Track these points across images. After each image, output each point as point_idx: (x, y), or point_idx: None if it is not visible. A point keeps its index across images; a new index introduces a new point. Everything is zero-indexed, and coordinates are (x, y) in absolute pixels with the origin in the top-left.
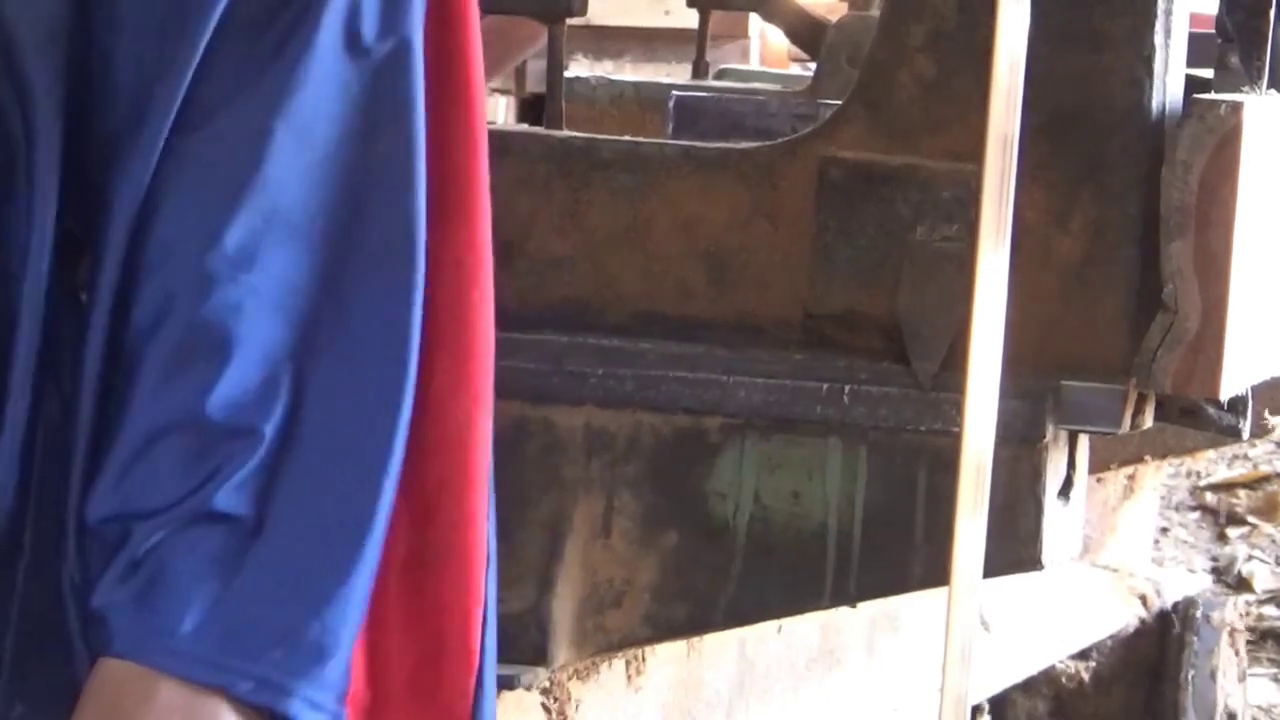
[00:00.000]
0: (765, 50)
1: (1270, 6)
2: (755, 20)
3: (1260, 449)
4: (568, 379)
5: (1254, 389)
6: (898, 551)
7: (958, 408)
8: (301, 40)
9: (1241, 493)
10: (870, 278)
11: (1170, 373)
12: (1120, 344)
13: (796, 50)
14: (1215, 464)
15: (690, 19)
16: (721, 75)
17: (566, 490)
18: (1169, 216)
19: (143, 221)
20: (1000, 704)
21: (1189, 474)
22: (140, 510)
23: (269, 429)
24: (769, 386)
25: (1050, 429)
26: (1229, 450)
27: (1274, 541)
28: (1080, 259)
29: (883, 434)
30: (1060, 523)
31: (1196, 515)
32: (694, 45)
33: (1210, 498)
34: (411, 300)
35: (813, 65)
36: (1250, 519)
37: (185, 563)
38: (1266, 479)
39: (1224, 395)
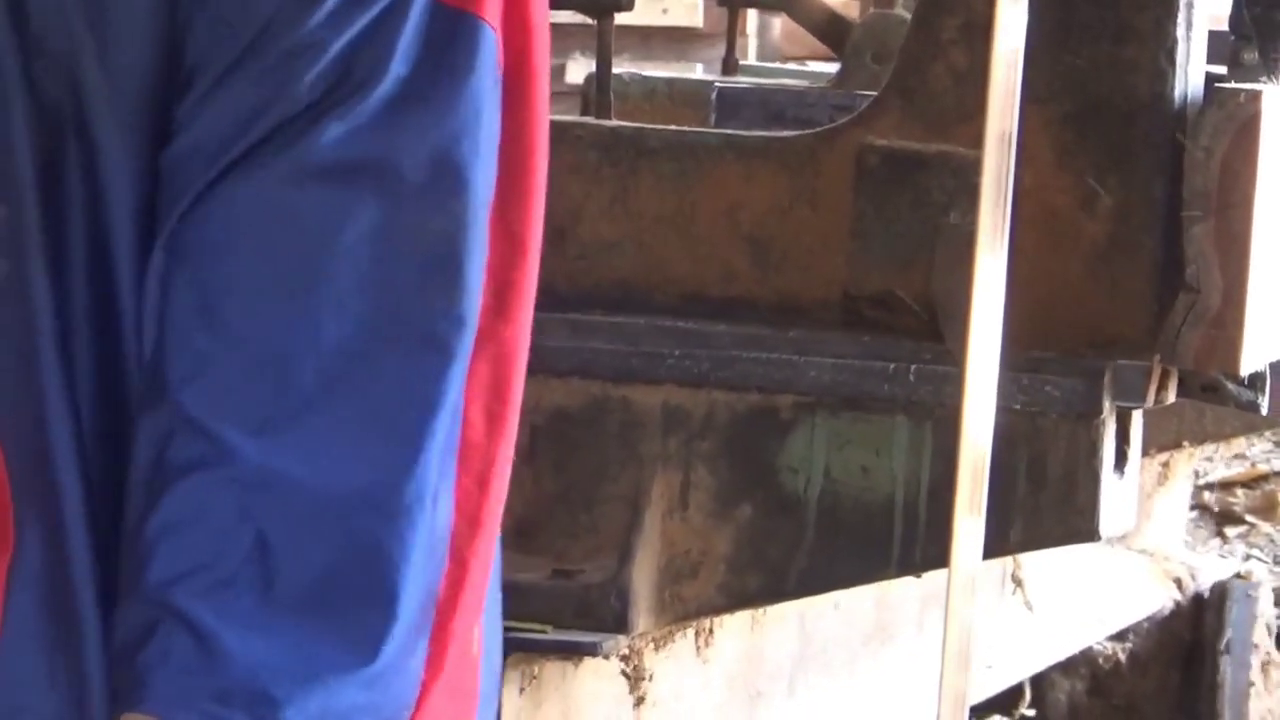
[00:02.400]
0: (763, 47)
1: None
2: (754, 18)
3: (1258, 448)
4: (646, 359)
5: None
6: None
7: (1018, 385)
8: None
9: (1240, 492)
10: (906, 260)
11: (1193, 349)
12: (1145, 322)
13: (790, 48)
14: (1213, 463)
15: (686, 18)
16: (742, 71)
17: (645, 466)
18: (1191, 200)
19: None
20: (1040, 683)
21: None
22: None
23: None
24: (838, 366)
25: (1107, 405)
26: (1228, 450)
27: (1272, 541)
28: (1106, 241)
29: (947, 411)
30: (1116, 495)
31: (1195, 514)
32: (691, 43)
33: (1208, 497)
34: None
35: (807, 63)
36: (1248, 518)
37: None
38: (1264, 478)
39: (1244, 371)
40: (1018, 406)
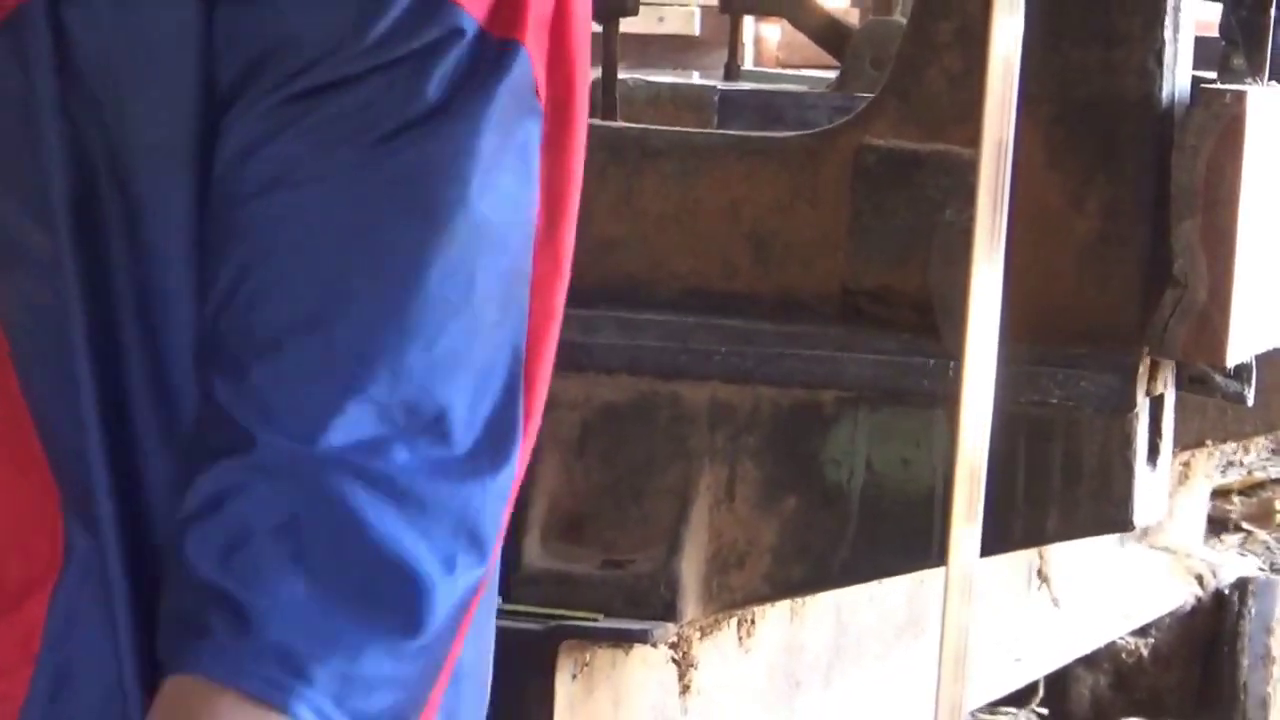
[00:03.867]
0: (759, 54)
1: (1271, 5)
2: (749, 26)
3: (1254, 455)
4: (694, 356)
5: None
6: (1000, 513)
7: (1054, 380)
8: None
9: (1236, 499)
10: (902, 256)
11: (1180, 342)
12: (1134, 315)
13: (785, 55)
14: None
15: (683, 26)
16: (743, 77)
17: (693, 459)
18: (1178, 197)
19: None
20: (1064, 677)
21: None
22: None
23: None
24: (879, 362)
25: (1140, 399)
26: (1223, 457)
27: (1268, 548)
28: (1096, 237)
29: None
30: (1149, 486)
31: None
32: (688, 51)
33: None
34: None
35: (800, 70)
36: (1245, 525)
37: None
38: (1261, 485)
39: (1230, 363)
40: (1054, 401)
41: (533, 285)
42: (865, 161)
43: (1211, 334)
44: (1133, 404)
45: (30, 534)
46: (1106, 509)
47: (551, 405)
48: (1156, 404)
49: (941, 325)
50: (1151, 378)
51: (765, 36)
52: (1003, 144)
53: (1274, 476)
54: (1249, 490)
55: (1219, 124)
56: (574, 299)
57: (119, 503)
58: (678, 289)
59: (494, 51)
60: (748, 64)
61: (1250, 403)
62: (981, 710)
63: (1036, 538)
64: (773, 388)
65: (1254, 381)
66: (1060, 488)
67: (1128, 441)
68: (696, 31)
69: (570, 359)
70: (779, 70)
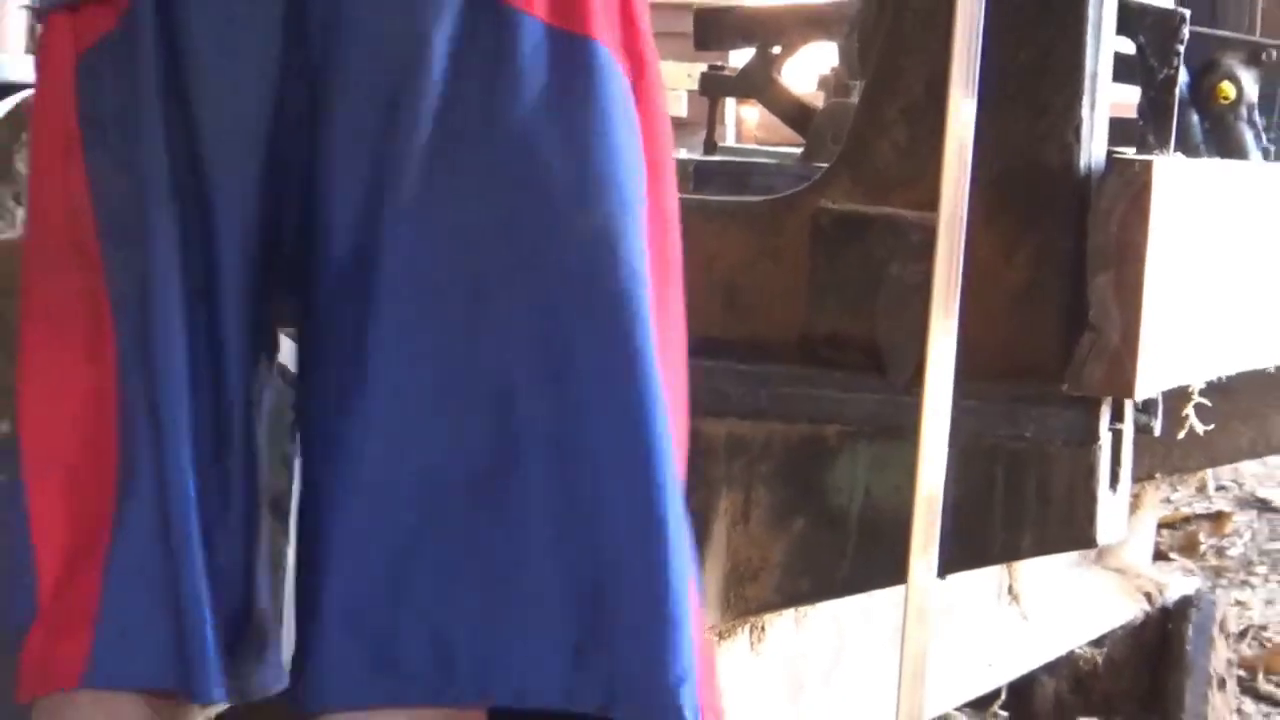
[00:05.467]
0: (740, 132)
1: (1175, 88)
2: (731, 107)
3: (1182, 493)
4: (712, 395)
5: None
6: (981, 533)
7: (1029, 416)
8: None
9: (1165, 532)
10: (854, 306)
11: (1095, 379)
12: (1056, 355)
13: (762, 134)
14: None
15: (673, 108)
16: (720, 151)
17: (713, 486)
18: (1094, 254)
19: None
20: (1030, 682)
21: None
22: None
23: None
24: (878, 401)
25: (1103, 434)
26: (1155, 495)
27: (1194, 575)
28: (1024, 288)
29: (968, 439)
30: (1111, 510)
31: None
32: (678, 130)
33: None
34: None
35: (775, 146)
36: (1172, 555)
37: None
38: (1187, 520)
39: (1138, 397)
40: (1029, 435)
41: None
42: (821, 223)
43: (1122, 373)
44: (1096, 438)
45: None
46: (1074, 529)
47: None
48: (1116, 438)
49: (888, 366)
50: (1113, 416)
51: (745, 118)
52: (958, 218)
53: (1198, 513)
54: (1177, 525)
55: (1129, 190)
56: None
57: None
58: None
59: (568, 44)
60: (730, 140)
61: (1157, 433)
62: (958, 709)
63: (1013, 554)
64: (782, 423)
65: (1160, 415)
66: (1034, 510)
67: (1092, 471)
68: (684, 113)
69: None
70: (753, 145)
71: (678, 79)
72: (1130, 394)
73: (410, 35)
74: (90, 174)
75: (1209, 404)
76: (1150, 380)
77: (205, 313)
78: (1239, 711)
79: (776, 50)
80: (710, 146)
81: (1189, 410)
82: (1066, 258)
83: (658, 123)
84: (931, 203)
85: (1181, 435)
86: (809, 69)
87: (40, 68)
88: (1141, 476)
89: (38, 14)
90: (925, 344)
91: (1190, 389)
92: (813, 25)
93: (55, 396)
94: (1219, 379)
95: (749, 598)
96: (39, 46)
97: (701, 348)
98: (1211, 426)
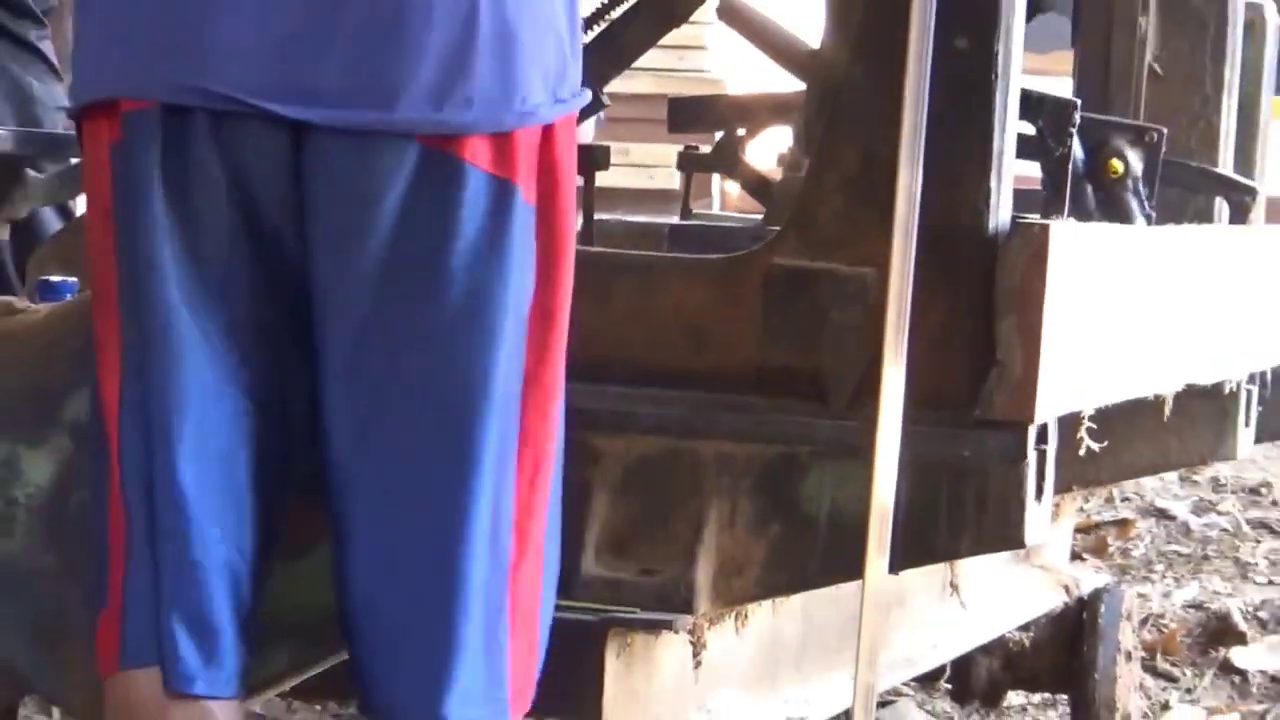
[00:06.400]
0: (725, 202)
1: (1069, 164)
2: (716, 180)
3: (1093, 503)
4: (706, 421)
5: None
6: (928, 535)
7: (968, 440)
8: None
9: (1079, 536)
10: (800, 345)
11: (1001, 405)
12: (969, 386)
13: (741, 204)
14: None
15: (667, 183)
16: (693, 217)
17: (705, 496)
18: (1000, 302)
19: None
20: (968, 661)
21: None
22: None
23: None
24: (842, 426)
25: (1030, 453)
26: (1072, 505)
27: (1102, 571)
28: (940, 329)
29: (917, 457)
30: (1036, 516)
31: None
32: (671, 201)
33: None
34: None
35: (747, 214)
36: (1085, 555)
37: None
38: (1097, 526)
39: (1037, 421)
40: (968, 454)
41: None
42: (773, 276)
43: (1024, 401)
44: (1024, 457)
45: None
46: (1005, 532)
47: (601, 456)
48: (1041, 457)
49: (829, 394)
50: (1038, 439)
51: (729, 190)
52: (907, 273)
53: (1107, 520)
54: (1089, 530)
55: (1029, 248)
56: (569, 374)
57: None
58: (635, 368)
59: (499, 189)
60: (716, 209)
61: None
62: (907, 684)
63: (954, 554)
64: (763, 444)
65: (1051, 439)
66: (972, 517)
67: (1020, 484)
68: (675, 186)
69: (616, 423)
70: (724, 213)
71: (665, 157)
72: (1031, 419)
73: (375, 171)
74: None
75: (1114, 426)
76: (1048, 407)
77: (214, 332)
78: (1140, 686)
79: (742, 132)
80: (685, 213)
81: (1082, 432)
82: (977, 305)
83: (558, 236)
84: (864, 259)
85: (1082, 452)
86: (771, 148)
87: (85, 151)
88: (1061, 489)
89: (70, 114)
90: (861, 375)
91: (1082, 414)
92: (772, 112)
93: (109, 400)
94: (1124, 406)
95: (734, 590)
96: (80, 136)
97: (673, 379)
98: (1105, 444)
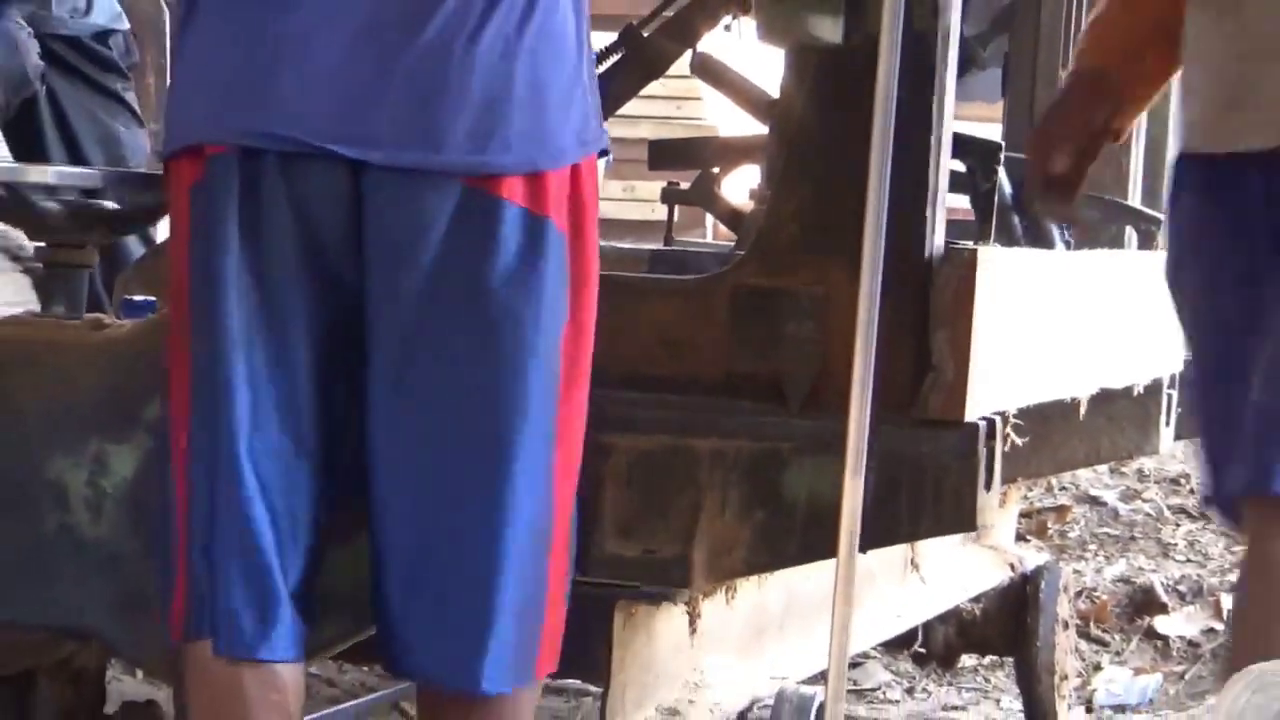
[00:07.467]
0: (717, 232)
1: (994, 198)
2: (709, 216)
3: (1035, 492)
4: (702, 422)
5: None
6: (891, 520)
7: (927, 437)
8: None
9: (1023, 520)
10: (763, 353)
11: (936, 405)
12: (909, 389)
13: (730, 234)
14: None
15: (665, 214)
16: (674, 244)
17: (700, 487)
18: (935, 316)
19: None
20: (927, 628)
21: None
22: None
23: None
24: (819, 426)
25: (980, 449)
26: (1017, 494)
27: (1043, 550)
28: (886, 341)
29: (883, 451)
30: (986, 503)
31: None
32: (656, 231)
33: None
34: None
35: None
36: (1028, 537)
37: None
38: (1038, 511)
39: (968, 419)
40: (926, 449)
41: None
42: (739, 295)
43: (956, 401)
44: (976, 452)
45: None
46: (959, 517)
47: (611, 452)
48: (990, 453)
49: (788, 396)
50: (987, 437)
51: (718, 222)
52: (872, 293)
53: (1047, 506)
54: (1030, 515)
55: (960, 270)
56: None
57: None
58: (622, 373)
59: (533, 223)
60: (709, 238)
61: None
62: (875, 648)
63: (914, 535)
64: (750, 441)
65: (982, 435)
66: (930, 504)
67: (973, 475)
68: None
69: (622, 424)
70: (703, 240)
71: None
72: (962, 418)
73: (423, 204)
74: (190, 262)
75: (1052, 426)
76: (977, 407)
77: (275, 355)
78: (1076, 649)
79: (716, 170)
80: (668, 240)
81: (1008, 429)
82: (916, 319)
83: (586, 264)
84: (817, 280)
85: (1007, 447)
86: (746, 184)
87: (169, 190)
88: (1007, 480)
89: (160, 156)
90: (814, 379)
91: (1008, 413)
92: (742, 153)
93: (180, 399)
94: (1060, 409)
95: (724, 567)
96: (166, 177)
97: (654, 384)
98: (1044, 441)
